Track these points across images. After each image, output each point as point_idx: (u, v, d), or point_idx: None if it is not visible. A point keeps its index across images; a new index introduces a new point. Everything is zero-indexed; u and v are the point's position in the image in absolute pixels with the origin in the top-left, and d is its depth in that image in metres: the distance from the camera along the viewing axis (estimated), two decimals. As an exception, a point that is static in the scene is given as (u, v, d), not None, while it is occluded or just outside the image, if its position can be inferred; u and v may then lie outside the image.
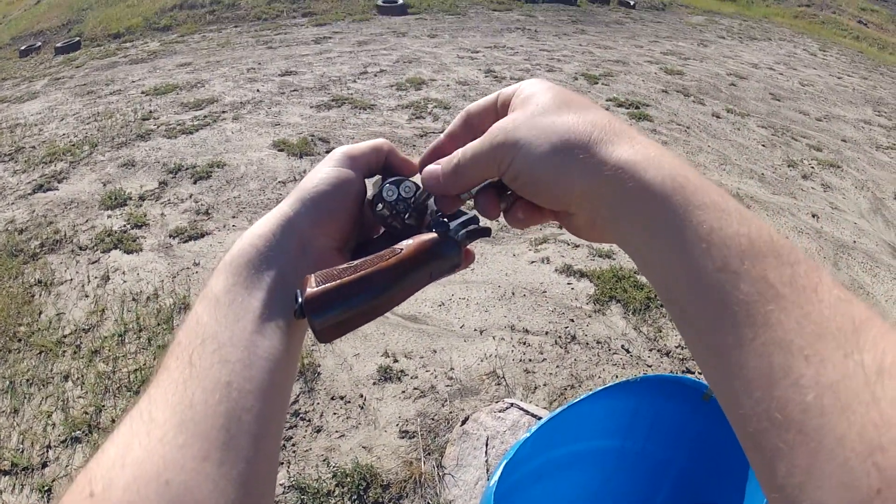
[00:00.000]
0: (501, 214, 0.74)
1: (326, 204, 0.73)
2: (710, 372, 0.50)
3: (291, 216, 0.71)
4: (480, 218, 0.76)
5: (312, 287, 0.64)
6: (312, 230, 0.72)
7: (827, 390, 0.41)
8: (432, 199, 0.77)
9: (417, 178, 0.77)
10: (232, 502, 0.52)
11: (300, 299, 0.64)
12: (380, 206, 0.75)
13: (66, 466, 3.31)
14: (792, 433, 0.41)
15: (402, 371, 3.92)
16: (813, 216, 6.64)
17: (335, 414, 3.63)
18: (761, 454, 0.44)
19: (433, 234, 0.72)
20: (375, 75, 10.19)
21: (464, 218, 0.75)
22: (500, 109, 0.71)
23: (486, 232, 0.76)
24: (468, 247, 0.76)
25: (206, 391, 0.56)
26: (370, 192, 0.78)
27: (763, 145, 8.60)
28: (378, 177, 0.79)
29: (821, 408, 0.40)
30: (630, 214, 0.57)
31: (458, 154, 0.70)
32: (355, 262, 0.68)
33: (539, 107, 0.65)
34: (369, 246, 0.75)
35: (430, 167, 0.73)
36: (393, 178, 0.76)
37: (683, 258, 0.52)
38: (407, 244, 0.70)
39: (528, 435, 1.88)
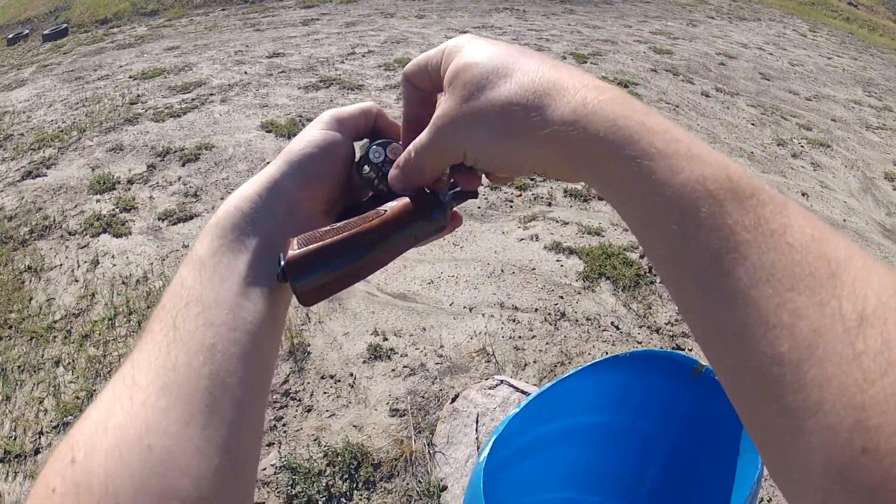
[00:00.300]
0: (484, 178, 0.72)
1: (314, 167, 0.72)
2: (692, 329, 0.48)
3: (278, 178, 0.70)
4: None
5: (294, 250, 0.64)
6: (300, 193, 0.71)
7: (803, 342, 0.39)
8: None
9: None
10: (216, 468, 0.52)
11: (282, 262, 0.63)
12: (366, 168, 0.74)
13: (59, 452, 3.31)
14: (770, 387, 0.40)
15: (391, 349, 3.93)
16: (803, 195, 6.65)
17: (325, 393, 3.63)
18: (746, 413, 0.43)
19: (418, 195, 0.71)
20: (363, 56, 10.17)
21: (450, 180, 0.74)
22: (432, 75, 0.69)
23: (473, 194, 0.75)
24: (455, 209, 0.76)
25: (190, 354, 0.55)
26: (358, 155, 0.77)
27: (752, 124, 8.60)
28: (366, 140, 0.78)
29: (798, 361, 0.39)
30: (586, 173, 0.56)
31: (409, 151, 0.69)
32: (338, 224, 0.68)
33: (471, 86, 0.62)
34: (356, 209, 0.73)
35: (392, 172, 0.72)
36: (380, 140, 0.76)
37: (640, 215, 0.51)
38: (391, 206, 0.70)
39: (516, 411, 1.87)
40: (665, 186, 0.48)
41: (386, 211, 0.69)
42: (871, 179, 7.43)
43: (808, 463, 0.37)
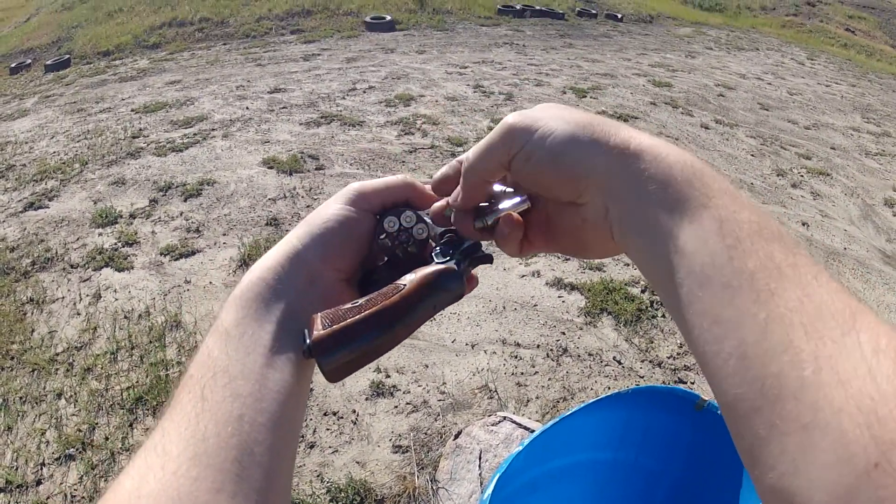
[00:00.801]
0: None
1: (334, 239, 0.73)
2: (709, 350, 0.50)
3: (300, 249, 0.72)
4: (482, 244, 0.77)
5: (319, 330, 0.65)
6: (321, 264, 0.72)
7: (825, 364, 0.41)
8: (431, 226, 0.78)
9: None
10: None
11: (308, 341, 0.64)
12: (382, 236, 0.76)
13: (61, 484, 3.31)
14: (788, 408, 0.41)
15: (394, 386, 3.92)
16: (803, 224, 6.67)
17: (328, 429, 3.63)
18: (753, 434, 0.44)
19: (435, 267, 0.72)
20: (364, 92, 10.17)
21: (465, 245, 0.76)
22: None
23: (488, 259, 0.77)
24: (472, 272, 0.77)
25: (219, 424, 0.57)
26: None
27: (752, 155, 8.63)
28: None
29: (818, 382, 0.40)
30: (649, 197, 0.58)
31: (464, 156, 0.72)
32: (360, 300, 0.69)
33: (545, 105, 0.69)
34: (374, 275, 0.76)
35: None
36: (394, 209, 0.77)
37: (698, 234, 0.54)
38: (410, 279, 0.70)
39: (520, 448, 1.88)
40: (727, 217, 0.54)
41: (405, 286, 0.69)
42: (871, 206, 7.45)
43: (817, 482, 0.38)
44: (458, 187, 0.75)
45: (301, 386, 0.67)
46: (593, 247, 0.69)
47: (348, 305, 0.68)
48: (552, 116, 0.66)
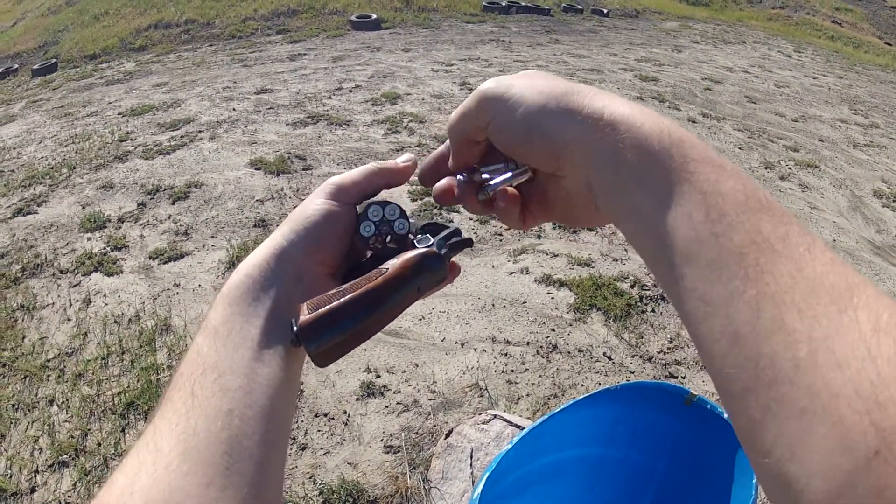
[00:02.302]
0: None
1: (318, 234, 0.74)
2: (699, 329, 0.49)
3: (286, 246, 0.73)
4: (462, 230, 0.79)
5: (305, 315, 0.66)
6: (306, 259, 0.73)
7: (821, 345, 0.39)
8: (413, 224, 0.80)
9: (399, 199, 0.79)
10: None
11: (294, 328, 0.65)
12: (364, 229, 0.76)
13: (55, 491, 3.31)
14: (783, 391, 0.40)
15: (384, 386, 3.93)
16: (792, 217, 6.67)
17: (319, 431, 3.63)
18: (748, 417, 0.43)
19: (418, 251, 0.74)
20: (351, 91, 10.19)
21: (446, 232, 0.78)
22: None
23: (468, 243, 0.79)
24: (453, 259, 0.78)
25: (209, 419, 0.58)
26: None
27: (740, 148, 8.65)
28: (366, 202, 0.80)
29: (814, 364, 0.39)
30: (627, 166, 0.57)
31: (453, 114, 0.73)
32: (344, 286, 0.70)
33: (524, 72, 0.69)
34: (358, 270, 0.76)
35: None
36: (376, 202, 0.78)
37: (679, 208, 0.52)
38: (393, 263, 0.72)
39: (509, 446, 1.88)
40: (709, 187, 0.52)
41: (388, 269, 0.71)
42: (859, 198, 7.47)
43: (815, 468, 0.37)
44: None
45: (290, 379, 0.68)
46: (583, 217, 0.70)
47: (333, 291, 0.69)
48: (526, 85, 0.65)
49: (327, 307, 0.66)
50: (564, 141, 0.62)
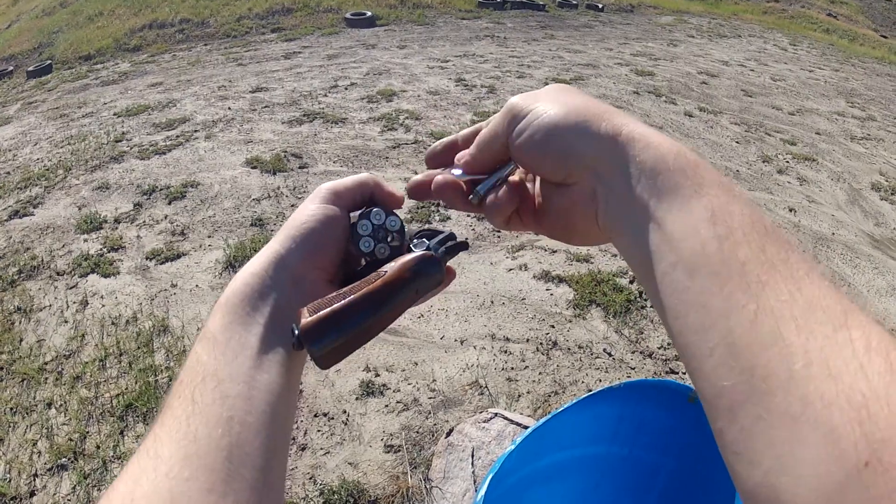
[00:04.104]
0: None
1: (315, 240, 0.75)
2: (693, 340, 0.49)
3: (283, 253, 0.73)
4: (457, 234, 0.81)
5: (306, 318, 0.67)
6: (303, 265, 0.74)
7: (816, 358, 0.40)
8: (405, 226, 0.81)
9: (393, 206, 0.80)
10: None
11: (296, 331, 0.66)
12: (360, 236, 0.78)
13: (54, 494, 3.30)
14: (776, 401, 0.41)
15: (384, 385, 3.92)
16: (790, 210, 6.69)
17: (319, 431, 3.62)
18: (738, 427, 0.43)
19: (415, 254, 0.75)
20: (346, 88, 10.19)
21: (441, 236, 0.80)
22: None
23: (464, 246, 0.82)
24: (448, 264, 0.80)
25: (209, 426, 0.58)
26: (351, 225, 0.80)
27: (737, 142, 8.66)
28: (359, 210, 0.82)
29: (808, 376, 0.40)
30: (641, 178, 0.58)
31: (483, 125, 0.76)
32: (344, 289, 0.71)
33: (550, 87, 0.71)
34: (355, 276, 0.77)
35: (463, 153, 0.79)
36: (364, 210, 0.80)
37: (688, 222, 0.53)
38: (391, 266, 0.73)
39: (513, 447, 1.87)
40: (719, 208, 0.53)
41: (387, 272, 0.72)
42: (857, 191, 7.48)
43: (804, 478, 0.37)
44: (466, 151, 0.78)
45: (290, 385, 0.68)
46: (578, 230, 0.70)
47: (333, 294, 0.70)
48: (550, 99, 0.67)
49: (329, 309, 0.67)
50: (581, 152, 0.63)
